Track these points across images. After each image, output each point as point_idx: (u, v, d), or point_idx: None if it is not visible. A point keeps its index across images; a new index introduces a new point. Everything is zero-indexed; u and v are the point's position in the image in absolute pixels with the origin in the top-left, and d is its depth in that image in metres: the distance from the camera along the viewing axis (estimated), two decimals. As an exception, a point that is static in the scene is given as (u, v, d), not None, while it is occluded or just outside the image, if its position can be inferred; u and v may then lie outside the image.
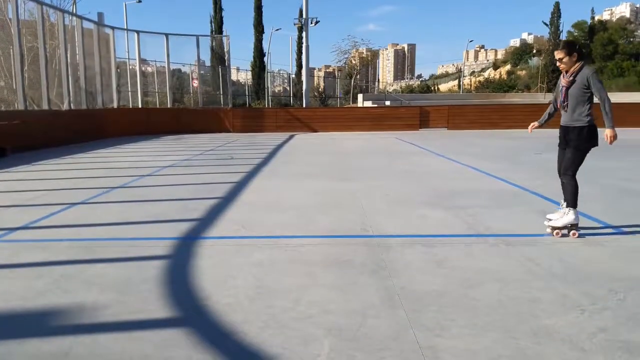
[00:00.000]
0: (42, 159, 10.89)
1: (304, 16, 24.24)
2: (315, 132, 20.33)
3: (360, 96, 40.02)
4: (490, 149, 12.56)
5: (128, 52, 21.38)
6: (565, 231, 4.32)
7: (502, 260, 3.75)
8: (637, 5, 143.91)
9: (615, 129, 4.21)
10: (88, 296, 3.13)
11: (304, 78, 26.89)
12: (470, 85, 79.64)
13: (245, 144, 15.17)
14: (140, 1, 38.71)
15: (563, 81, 4.34)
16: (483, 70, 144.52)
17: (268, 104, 36.27)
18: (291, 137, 18.02)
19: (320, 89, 48.63)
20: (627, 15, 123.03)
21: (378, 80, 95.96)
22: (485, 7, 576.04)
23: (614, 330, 2.61)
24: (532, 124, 4.83)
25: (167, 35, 21.16)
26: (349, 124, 20.88)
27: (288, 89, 43.97)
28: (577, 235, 4.30)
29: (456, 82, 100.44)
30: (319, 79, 57.43)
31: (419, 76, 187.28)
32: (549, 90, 50.64)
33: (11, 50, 14.31)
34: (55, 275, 3.53)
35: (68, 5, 24.79)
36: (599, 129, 4.24)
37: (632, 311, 2.83)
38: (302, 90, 29.27)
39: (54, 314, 2.89)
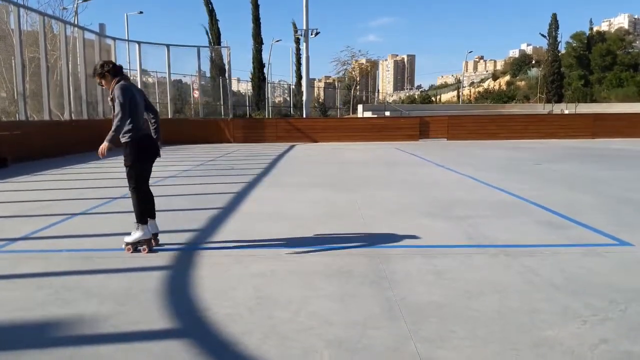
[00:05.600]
0: (42, 169, 10.91)
1: (303, 28, 24.36)
2: (316, 142, 20.38)
3: (360, 107, 40.19)
4: (490, 160, 12.58)
5: (129, 62, 21.50)
6: (140, 246, 4.31)
7: (503, 271, 3.74)
8: (636, 17, 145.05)
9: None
10: (88, 307, 3.13)
11: (304, 89, 27.00)
12: (470, 96, 79.93)
13: (246, 154, 15.20)
14: (141, 12, 39.10)
15: (109, 100, 4.30)
16: (482, 80, 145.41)
17: (268, 115, 36.40)
18: (291, 147, 18.06)
19: (320, 100, 48.84)
20: (626, 26, 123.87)
21: (378, 90, 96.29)
22: (485, 19, 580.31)
23: (615, 341, 2.60)
24: None
25: (168, 46, 21.31)
26: (349, 134, 20.95)
27: (288, 99, 44.12)
28: (147, 251, 4.29)
29: (457, 92, 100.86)
30: (319, 90, 57.66)
31: (419, 87, 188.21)
32: (549, 101, 50.92)
33: (13, 60, 14.39)
34: (55, 285, 3.52)
35: (70, 16, 25.03)
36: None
37: (634, 322, 2.83)
38: (302, 100, 29.38)
39: (54, 325, 2.89)
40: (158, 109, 24.37)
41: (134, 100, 4.20)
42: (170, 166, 11.71)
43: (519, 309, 3.02)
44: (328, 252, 4.31)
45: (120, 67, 4.33)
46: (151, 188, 4.57)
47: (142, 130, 4.30)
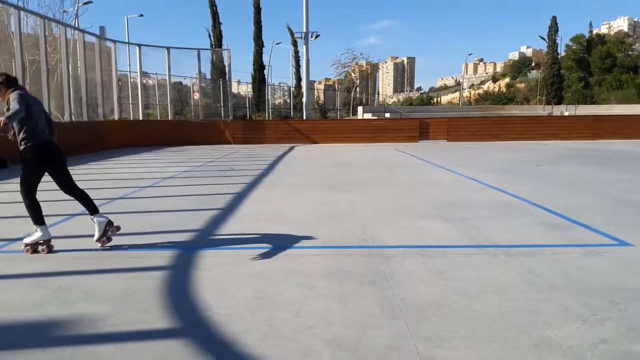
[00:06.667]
0: (42, 171, 10.89)
1: (303, 30, 24.38)
2: (316, 143, 20.39)
3: (360, 108, 40.17)
4: (491, 161, 12.58)
5: (129, 65, 21.57)
6: (40, 247, 4.35)
7: (503, 271, 3.74)
8: (635, 19, 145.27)
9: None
10: (87, 307, 3.12)
11: (304, 90, 27.02)
12: (470, 98, 80.00)
13: (246, 156, 15.20)
14: (142, 15, 39.13)
15: (5, 111, 4.30)
16: (482, 83, 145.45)
17: (268, 116, 36.43)
18: (291, 148, 18.06)
19: (320, 102, 48.87)
20: (625, 29, 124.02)
21: (378, 92, 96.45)
22: (484, 21, 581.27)
23: (615, 341, 2.59)
24: None
25: (168, 48, 21.32)
26: (349, 135, 20.96)
27: (288, 101, 44.15)
28: (46, 251, 4.33)
29: (456, 94, 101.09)
30: (318, 92, 57.70)
31: (419, 89, 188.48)
32: (548, 103, 50.95)
33: (13, 63, 14.40)
34: (54, 286, 3.52)
35: (70, 19, 25.11)
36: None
37: (634, 322, 2.82)
38: (302, 102, 29.41)
39: (53, 325, 2.88)
40: (158, 111, 24.48)
41: (30, 107, 4.22)
42: (171, 167, 11.71)
43: (519, 309, 3.02)
44: (328, 252, 4.31)
45: (15, 79, 4.38)
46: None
47: (38, 137, 4.34)
